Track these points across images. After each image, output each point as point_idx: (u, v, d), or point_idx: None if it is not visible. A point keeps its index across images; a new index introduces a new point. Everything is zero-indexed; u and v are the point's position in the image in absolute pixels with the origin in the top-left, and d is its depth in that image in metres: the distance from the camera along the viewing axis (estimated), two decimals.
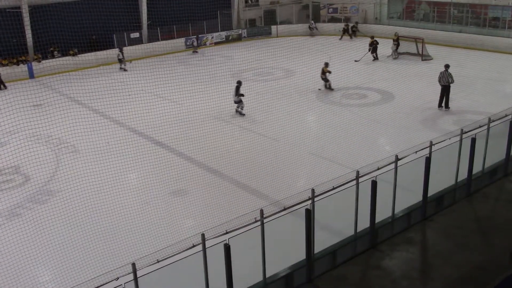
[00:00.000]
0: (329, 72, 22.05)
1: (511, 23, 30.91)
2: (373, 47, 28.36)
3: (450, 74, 18.99)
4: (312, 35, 36.63)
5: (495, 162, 10.69)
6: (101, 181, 12.63)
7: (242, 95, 19.17)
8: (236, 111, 19.50)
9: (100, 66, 28.73)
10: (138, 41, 32.37)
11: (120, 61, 28.66)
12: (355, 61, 27.23)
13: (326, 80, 22.40)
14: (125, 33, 31.44)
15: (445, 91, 19.13)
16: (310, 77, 22.55)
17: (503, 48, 28.77)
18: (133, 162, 14.31)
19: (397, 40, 28.87)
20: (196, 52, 33.18)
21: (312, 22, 37.44)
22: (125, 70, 28.40)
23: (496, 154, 10.65)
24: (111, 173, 12.99)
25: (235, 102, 19.43)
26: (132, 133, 17.74)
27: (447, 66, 19.29)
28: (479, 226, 8.65)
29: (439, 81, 19.31)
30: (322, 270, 7.61)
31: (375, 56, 28.41)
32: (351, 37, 35.35)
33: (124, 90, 18.89)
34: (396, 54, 28.72)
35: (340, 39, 35.10)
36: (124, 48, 30.03)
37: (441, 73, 19.25)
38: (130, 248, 10.03)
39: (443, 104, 19.19)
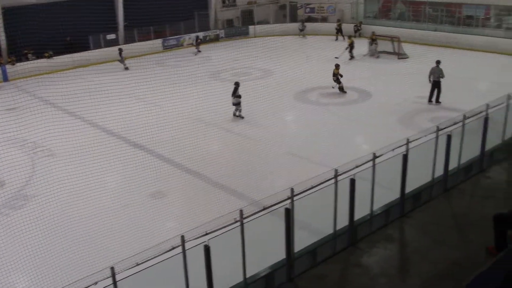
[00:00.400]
0: (341, 75, 21.60)
1: (484, 22, 31.45)
2: (350, 47, 28.47)
3: (441, 70, 19.46)
4: (303, 35, 36.39)
5: (470, 158, 10.85)
6: (78, 185, 12.47)
7: (240, 96, 18.98)
8: (234, 114, 19.28)
9: (76, 68, 28.38)
10: (115, 42, 32.05)
11: (121, 59, 28.73)
12: (335, 57, 27.28)
13: (338, 81, 21.84)
14: (101, 35, 31.11)
15: (436, 86, 19.59)
16: (288, 77, 22.60)
17: (477, 46, 29.24)
18: (111, 165, 14.15)
19: (375, 40, 29.14)
20: (199, 51, 32.87)
21: (303, 24, 36.90)
22: (126, 68, 28.21)
23: (471, 151, 10.81)
24: (88, 176, 12.84)
25: (233, 104, 19.20)
26: (110, 136, 17.56)
27: (438, 62, 19.82)
28: (455, 222, 8.77)
29: (430, 77, 19.74)
30: (302, 269, 7.63)
31: (351, 55, 28.54)
32: (343, 37, 33.84)
33: (101, 92, 18.68)
34: (377, 53, 28.96)
35: (336, 39, 34.58)
36: (100, 50, 29.74)
37: (432, 68, 19.72)
38: (108, 252, 9.91)
39: (433, 99, 19.53)
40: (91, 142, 15.67)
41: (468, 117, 10.73)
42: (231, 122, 18.72)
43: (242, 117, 19.14)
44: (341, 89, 21.82)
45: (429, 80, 19.76)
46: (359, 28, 34.95)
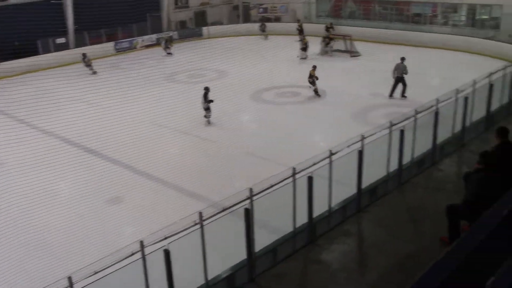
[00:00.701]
0: (316, 78, 21.32)
1: (432, 19, 32.44)
2: (305, 46, 28.69)
3: (405, 66, 20.14)
4: (265, 36, 35.99)
5: (422, 152, 11.14)
6: (30, 195, 12.07)
7: (211, 101, 18.52)
8: (205, 117, 18.75)
9: (24, 74, 27.51)
10: (65, 46, 31.26)
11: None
12: (301, 58, 27.76)
13: (313, 84, 21.45)
14: (50, 39, 30.28)
15: (400, 82, 20.20)
16: (243, 77, 22.62)
17: (426, 42, 30.13)
18: (64, 172, 13.78)
19: (328, 37, 29.44)
20: (170, 53, 32.35)
21: (263, 24, 36.64)
22: (94, 72, 27.58)
23: (423, 145, 11.11)
24: (41, 185, 12.45)
25: (204, 109, 18.68)
26: (62, 142, 17.10)
27: (403, 59, 20.47)
28: (410, 215, 8.98)
29: (393, 73, 20.32)
30: (263, 268, 7.64)
31: (304, 55, 28.79)
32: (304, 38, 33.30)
33: (51, 98, 18.15)
34: (331, 51, 29.25)
35: (299, 40, 33.49)
36: (49, 54, 28.95)
37: (396, 64, 20.33)
38: (65, 262, 9.65)
39: (394, 94, 19.99)
40: (42, 149, 15.19)
41: (420, 112, 11.02)
42: (188, 124, 18.56)
43: (209, 123, 18.80)
44: (316, 91, 21.44)
45: (393, 76, 20.28)
46: (330, 28, 33.36)
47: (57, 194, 13.28)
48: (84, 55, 28.11)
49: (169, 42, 32.95)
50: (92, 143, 16.36)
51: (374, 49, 28.89)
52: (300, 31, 33.38)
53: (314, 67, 21.60)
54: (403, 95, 20.09)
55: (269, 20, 38.73)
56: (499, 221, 1.77)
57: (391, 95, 20.21)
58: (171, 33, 34.49)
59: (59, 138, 17.51)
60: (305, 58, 28.46)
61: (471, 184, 6.98)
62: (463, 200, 7.11)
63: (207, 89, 18.89)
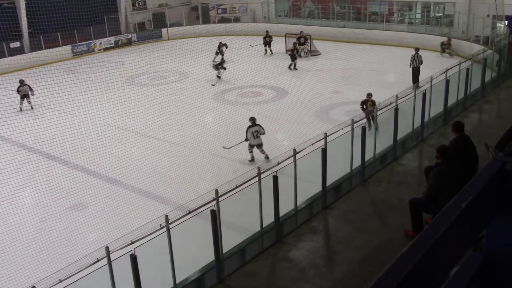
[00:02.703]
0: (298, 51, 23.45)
1: (388, 17, 33.12)
2: (268, 41, 29.37)
3: (420, 56, 20.52)
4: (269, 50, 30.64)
5: (384, 148, 11.38)
6: None
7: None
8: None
9: None
10: (19, 50, 30.43)
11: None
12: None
13: (293, 58, 24.02)
14: (4, 43, 29.41)
15: (418, 73, 20.43)
16: (204, 78, 22.57)
17: (383, 40, 30.73)
18: (23, 179, 13.42)
19: (302, 37, 29.13)
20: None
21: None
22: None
23: (385, 141, 11.35)
24: (0, 193, 12.12)
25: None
26: (20, 149, 16.65)
27: (417, 49, 20.86)
28: (374, 210, 9.17)
29: (411, 64, 20.65)
30: (232, 268, 7.66)
31: (268, 50, 29.45)
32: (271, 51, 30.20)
33: (7, 103, 17.67)
34: (305, 53, 29.00)
35: (265, 53, 30.08)
36: (3, 59, 28.11)
37: (412, 56, 20.69)
38: (28, 271, 9.40)
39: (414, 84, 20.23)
40: (1, 156, 14.79)
41: (380, 109, 11.26)
42: (149, 126, 18.36)
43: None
44: (294, 65, 23.99)
45: (410, 66, 20.74)
46: (305, 38, 29.17)
47: (18, 201, 12.92)
48: (21, 82, 21.54)
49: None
50: (51, 148, 15.98)
51: (333, 47, 29.26)
52: (267, 44, 29.85)
53: (295, 44, 23.75)
54: (417, 86, 20.09)
55: (226, 21, 38.68)
56: (459, 213, 1.83)
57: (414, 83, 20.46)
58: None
59: (18, 144, 17.04)
60: (267, 53, 28.93)
61: (432, 178, 7.18)
62: (424, 194, 7.31)
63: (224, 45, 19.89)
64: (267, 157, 14.56)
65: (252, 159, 14.69)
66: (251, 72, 24.99)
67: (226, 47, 26.97)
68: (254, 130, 14.62)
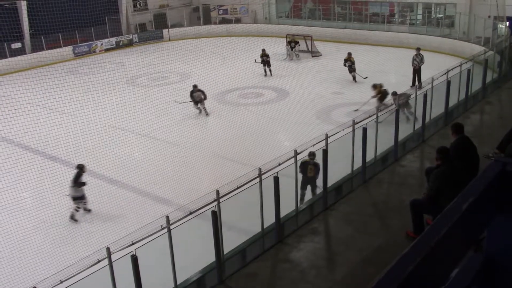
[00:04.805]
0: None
1: (389, 18, 33.13)
2: (267, 61, 25.63)
3: (422, 56, 20.76)
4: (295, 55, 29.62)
5: (386, 149, 11.37)
6: None
7: (83, 183, 12.89)
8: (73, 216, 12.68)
9: None
10: (21, 51, 30.47)
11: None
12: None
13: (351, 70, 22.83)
14: (5, 44, 29.45)
15: (419, 73, 20.72)
16: (206, 79, 22.56)
17: (384, 41, 30.74)
18: (24, 180, 13.42)
19: (293, 41, 29.21)
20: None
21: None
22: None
23: (386, 142, 11.34)
24: (1, 194, 12.13)
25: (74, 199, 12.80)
26: (22, 150, 16.66)
27: (418, 49, 21.09)
28: (376, 210, 9.16)
29: (412, 63, 20.90)
30: (233, 269, 7.65)
31: (268, 71, 25.74)
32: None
33: (9, 104, 17.70)
34: (294, 55, 28.89)
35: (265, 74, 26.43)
36: (5, 60, 28.16)
37: (414, 55, 20.92)
38: (30, 272, 9.41)
39: (416, 84, 20.23)
40: (2, 157, 14.80)
41: (381, 110, 11.25)
42: (151, 128, 18.38)
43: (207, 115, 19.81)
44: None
45: (412, 65, 21.00)
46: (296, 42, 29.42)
47: (19, 202, 12.94)
48: (194, 87, 20.26)
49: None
50: (53, 149, 16.00)
51: (334, 48, 29.26)
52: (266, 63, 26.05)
53: (350, 54, 22.86)
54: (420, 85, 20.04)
55: (227, 21, 38.70)
56: (460, 214, 1.84)
57: (413, 85, 20.42)
58: None
59: (19, 145, 17.06)
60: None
61: (432, 179, 7.17)
62: (425, 195, 7.30)
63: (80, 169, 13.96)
64: (207, 114, 19.72)
65: (200, 112, 19.80)
66: (252, 73, 25.03)
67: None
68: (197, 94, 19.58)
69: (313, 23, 35.28)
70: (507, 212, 2.04)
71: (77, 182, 12.63)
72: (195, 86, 20.05)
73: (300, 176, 9.79)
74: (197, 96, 19.86)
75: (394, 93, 16.56)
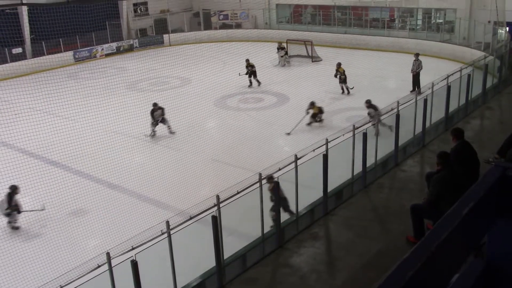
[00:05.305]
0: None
1: (389, 23, 33.18)
2: (252, 71, 24.27)
3: (420, 62, 20.98)
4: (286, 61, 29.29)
5: (386, 154, 11.37)
6: None
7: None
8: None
9: None
10: (22, 56, 30.53)
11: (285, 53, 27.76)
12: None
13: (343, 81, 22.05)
14: (6, 49, 29.52)
15: (417, 78, 20.80)
16: (206, 84, 22.60)
17: (384, 46, 30.78)
18: (24, 184, 13.41)
19: (282, 48, 28.97)
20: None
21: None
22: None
23: (386, 147, 11.35)
24: (1, 198, 12.11)
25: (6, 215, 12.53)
26: (22, 155, 16.66)
27: (417, 55, 21.21)
28: (376, 215, 9.15)
29: (412, 70, 21.06)
30: (233, 275, 7.64)
31: (254, 81, 24.36)
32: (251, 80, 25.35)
33: (9, 109, 17.72)
34: (284, 61, 28.77)
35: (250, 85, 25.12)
36: (6, 65, 28.25)
37: (413, 61, 21.16)
38: (29, 277, 9.39)
39: (417, 89, 20.23)
40: (2, 162, 14.80)
41: (381, 115, 11.25)
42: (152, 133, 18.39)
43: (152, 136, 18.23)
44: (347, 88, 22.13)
45: (411, 71, 21.14)
46: (282, 48, 28.96)
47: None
48: (154, 105, 18.91)
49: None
50: (53, 154, 16.00)
51: (334, 53, 29.29)
52: (252, 74, 24.44)
53: (339, 64, 22.09)
54: (419, 92, 19.98)
55: (227, 27, 38.78)
56: (460, 219, 1.84)
57: (413, 90, 20.37)
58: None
59: (19, 150, 17.05)
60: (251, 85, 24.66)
61: (433, 184, 7.17)
62: (426, 200, 7.30)
63: (155, 105, 18.07)
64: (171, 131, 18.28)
65: (154, 135, 18.20)
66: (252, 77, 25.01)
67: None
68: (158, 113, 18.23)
69: (313, 28, 35.32)
70: (507, 217, 2.04)
71: (10, 205, 12.23)
72: (155, 105, 18.51)
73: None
74: (158, 115, 18.31)
75: (368, 101, 16.90)
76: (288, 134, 17.36)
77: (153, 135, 18.20)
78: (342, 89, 22.14)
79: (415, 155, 11.57)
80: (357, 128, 10.11)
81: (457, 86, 13.68)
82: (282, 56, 28.70)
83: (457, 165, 7.37)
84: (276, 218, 9.03)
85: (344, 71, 21.91)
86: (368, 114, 16.25)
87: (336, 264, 7.71)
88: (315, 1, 35.71)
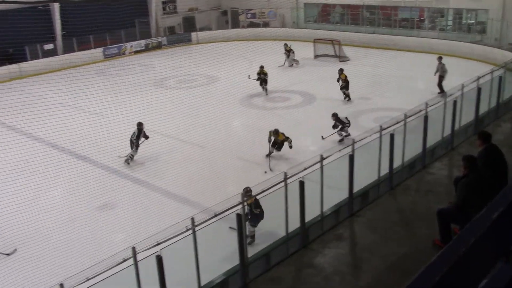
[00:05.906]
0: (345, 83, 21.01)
1: (419, 23, 32.74)
2: (263, 78, 23.03)
3: (443, 65, 20.90)
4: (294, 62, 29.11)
5: (413, 156, 11.22)
6: (21, 201, 12.00)
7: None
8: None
9: (12, 80, 27.39)
10: (53, 52, 31.15)
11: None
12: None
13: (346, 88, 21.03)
14: (38, 45, 30.15)
15: (441, 81, 20.75)
16: (233, 83, 22.65)
17: (413, 47, 30.37)
18: (55, 179, 13.70)
19: (288, 51, 28.60)
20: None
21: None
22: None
23: (414, 148, 11.20)
24: (32, 192, 12.39)
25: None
26: (52, 149, 17.00)
27: (440, 58, 21.09)
28: (402, 218, 9.05)
29: (437, 72, 21.05)
30: (257, 273, 7.65)
31: (264, 87, 23.11)
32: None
33: (41, 104, 18.10)
34: (291, 62, 28.57)
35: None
36: (37, 61, 28.87)
37: (437, 64, 21.13)
38: (57, 269, 9.59)
39: (444, 90, 20.05)
40: (33, 156, 15.13)
41: (409, 116, 11.11)
42: (177, 129, 18.53)
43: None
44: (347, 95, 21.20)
45: (435, 74, 21.08)
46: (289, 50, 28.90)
47: (48, 200, 13.21)
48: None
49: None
50: (82, 148, 16.31)
51: (362, 53, 29.06)
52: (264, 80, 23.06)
53: (341, 70, 21.13)
54: (443, 92, 19.76)
55: (255, 25, 38.80)
56: (489, 224, 1.81)
57: (440, 92, 20.28)
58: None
59: (49, 144, 17.41)
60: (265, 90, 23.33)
61: (460, 189, 7.06)
62: (453, 204, 7.19)
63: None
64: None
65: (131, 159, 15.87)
66: (280, 77, 25.03)
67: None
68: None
69: (341, 28, 35.07)
70: None
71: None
72: (140, 124, 16.20)
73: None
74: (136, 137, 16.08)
75: (334, 114, 16.73)
76: (323, 138, 17.05)
77: (129, 159, 15.77)
78: (344, 96, 21.26)
79: (444, 157, 11.39)
80: (384, 129, 10.01)
81: (488, 88, 13.42)
82: (288, 57, 28.50)
83: (484, 169, 7.23)
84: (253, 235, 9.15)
85: (346, 77, 20.94)
86: (333, 127, 16.56)
87: (361, 265, 7.66)
88: (343, 1, 35.47)
